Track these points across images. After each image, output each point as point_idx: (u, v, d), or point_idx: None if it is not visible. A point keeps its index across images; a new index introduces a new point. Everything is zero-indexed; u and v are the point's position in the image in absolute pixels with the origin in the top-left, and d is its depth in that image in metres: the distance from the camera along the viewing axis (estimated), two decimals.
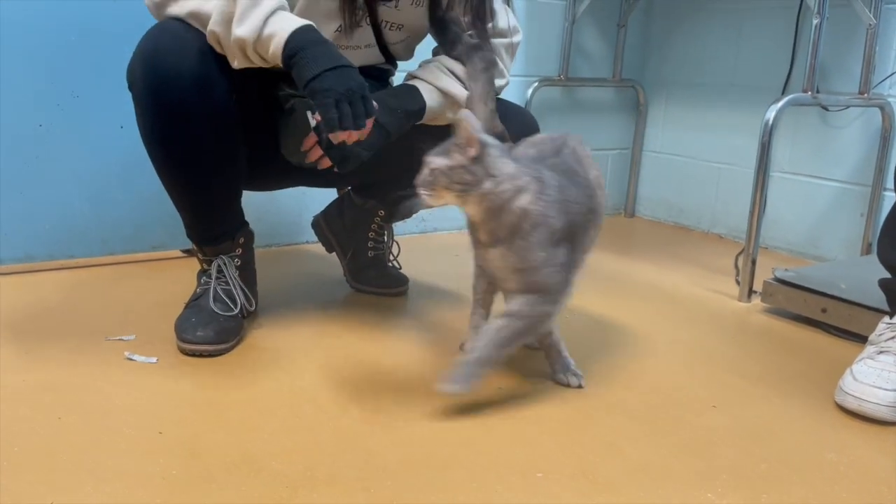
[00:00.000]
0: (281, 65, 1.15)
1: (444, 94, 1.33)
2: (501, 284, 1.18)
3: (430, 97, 1.33)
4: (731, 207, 2.41)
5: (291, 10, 1.25)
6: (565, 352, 1.27)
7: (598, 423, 1.13)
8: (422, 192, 1.09)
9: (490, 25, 1.37)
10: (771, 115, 1.69)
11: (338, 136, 1.14)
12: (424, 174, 1.09)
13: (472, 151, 1.06)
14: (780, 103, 1.71)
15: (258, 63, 1.19)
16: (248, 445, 1.00)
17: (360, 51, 1.36)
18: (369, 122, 1.16)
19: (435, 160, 1.09)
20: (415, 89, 1.32)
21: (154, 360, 1.26)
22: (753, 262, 1.74)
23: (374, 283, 1.66)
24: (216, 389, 1.16)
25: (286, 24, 1.14)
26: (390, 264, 1.71)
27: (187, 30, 1.19)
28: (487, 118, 1.21)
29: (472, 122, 1.06)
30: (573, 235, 1.14)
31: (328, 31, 1.28)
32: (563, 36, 2.37)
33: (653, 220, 2.66)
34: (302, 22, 1.16)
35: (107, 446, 0.98)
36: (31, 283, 1.63)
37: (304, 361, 1.29)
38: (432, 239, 2.22)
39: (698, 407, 1.20)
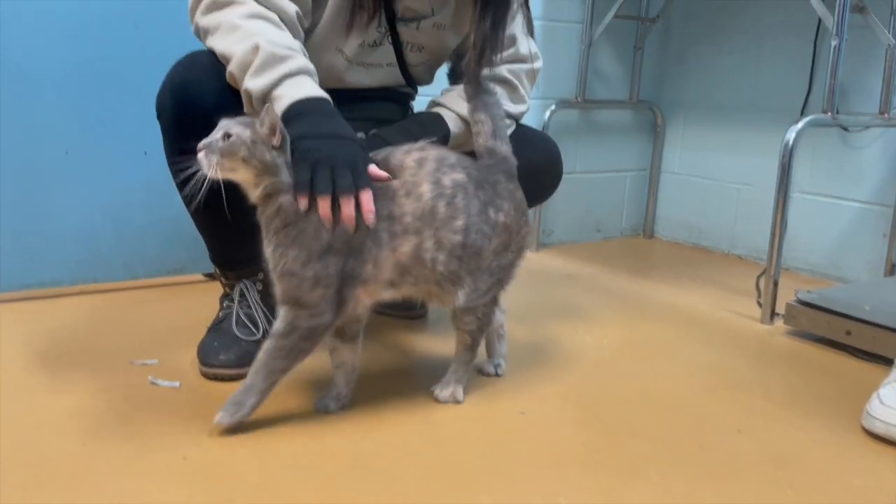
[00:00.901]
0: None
1: (467, 121, 1.34)
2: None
3: (454, 125, 1.34)
4: (750, 228, 2.40)
5: (315, 25, 1.27)
6: (498, 342, 1.30)
7: (621, 448, 1.12)
8: (214, 157, 1.02)
9: (511, 51, 1.38)
10: (791, 136, 1.69)
11: (322, 207, 1.04)
12: (222, 139, 1.03)
13: (276, 140, 1.04)
14: (800, 124, 1.71)
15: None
16: (270, 470, 1.01)
17: (382, 69, 1.38)
18: (363, 197, 1.06)
19: (237, 128, 1.03)
20: (438, 117, 1.34)
21: (177, 384, 1.26)
22: (775, 284, 1.72)
23: (392, 306, 1.66)
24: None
25: (299, 90, 1.11)
26: None
27: (217, 63, 1.20)
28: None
29: (278, 114, 1.05)
30: (355, 251, 1.07)
31: (352, 45, 1.30)
32: (580, 58, 2.38)
33: (671, 241, 2.65)
34: (317, 93, 1.12)
35: (131, 471, 0.99)
36: (57, 308, 1.66)
37: (324, 385, 1.29)
38: None
39: (722, 431, 1.19)
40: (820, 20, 1.96)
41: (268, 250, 1.08)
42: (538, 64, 1.44)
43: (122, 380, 1.27)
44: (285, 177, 1.05)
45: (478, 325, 1.23)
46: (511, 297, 1.92)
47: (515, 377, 1.37)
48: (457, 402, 1.24)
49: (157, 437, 1.08)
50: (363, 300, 1.13)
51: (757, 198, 2.36)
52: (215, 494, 0.94)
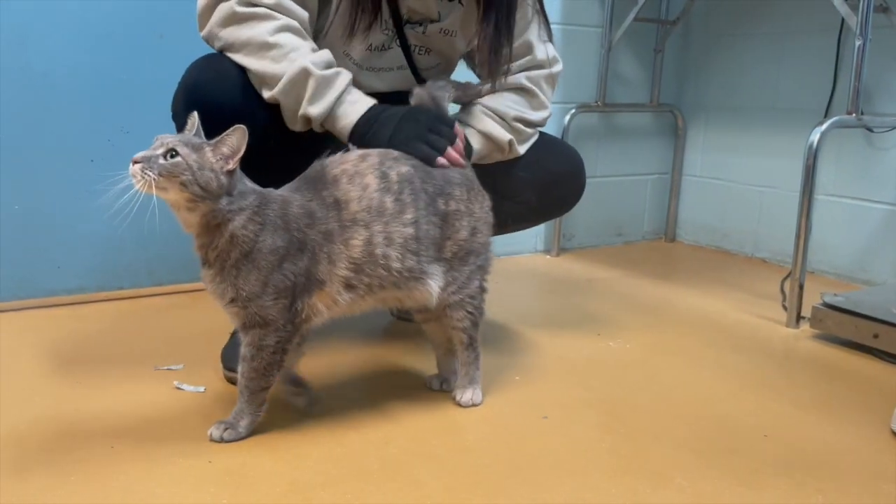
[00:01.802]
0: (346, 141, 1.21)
1: (488, 137, 1.34)
2: (228, 316, 1.10)
3: (475, 140, 1.34)
4: (774, 231, 2.37)
5: (320, 31, 1.29)
6: (445, 357, 1.29)
7: (647, 453, 1.11)
8: (151, 174, 0.96)
9: (528, 58, 1.38)
10: (815, 137, 1.67)
11: (442, 162, 1.18)
12: (164, 157, 0.98)
13: (232, 165, 1.02)
14: (825, 126, 1.69)
15: (318, 130, 1.24)
16: (295, 474, 1.01)
17: (393, 72, 1.39)
18: (457, 130, 1.22)
19: (184, 149, 0.99)
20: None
21: (202, 388, 1.27)
22: (801, 287, 1.70)
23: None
24: (262, 418, 1.16)
25: (357, 105, 1.21)
26: None
27: (231, 64, 1.22)
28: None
29: (246, 135, 1.02)
30: (311, 252, 1.07)
31: (358, 49, 1.31)
32: (600, 62, 2.38)
33: (694, 244, 2.63)
34: (369, 100, 1.22)
35: (158, 475, 1.00)
36: (82, 315, 1.68)
37: (347, 391, 1.29)
38: None
39: (749, 436, 1.18)
40: (843, 20, 1.94)
41: (217, 283, 1.05)
42: (557, 68, 1.44)
43: (148, 385, 1.29)
44: (225, 203, 1.02)
45: (471, 319, 1.22)
46: (532, 302, 1.92)
47: (538, 382, 1.36)
48: (475, 404, 1.24)
49: (183, 441, 1.09)
50: (321, 309, 1.11)
51: (781, 200, 2.34)
52: (241, 498, 0.95)
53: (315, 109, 1.19)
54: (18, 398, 1.23)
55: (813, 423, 1.23)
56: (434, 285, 1.16)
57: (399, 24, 1.32)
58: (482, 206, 1.22)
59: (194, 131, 1.05)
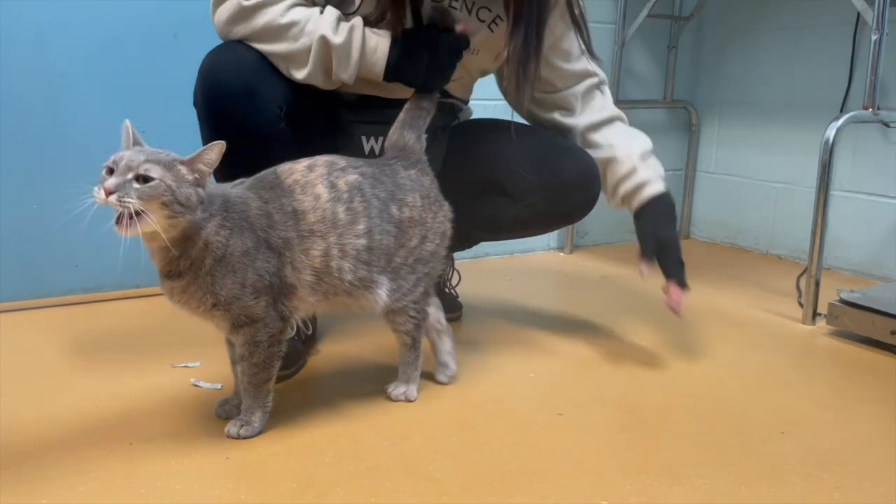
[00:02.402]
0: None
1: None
2: (209, 323, 1.09)
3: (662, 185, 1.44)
4: (789, 228, 2.36)
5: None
6: (439, 339, 1.30)
7: (663, 450, 1.11)
8: (132, 203, 0.93)
9: (589, 81, 1.46)
10: (831, 133, 1.66)
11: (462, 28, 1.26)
12: (137, 181, 0.94)
13: (204, 177, 1.00)
14: (841, 121, 1.68)
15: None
16: (311, 470, 1.02)
17: None
18: (461, 28, 1.27)
19: (157, 170, 0.95)
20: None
21: (219, 386, 1.28)
22: (817, 284, 1.69)
23: None
24: (279, 415, 1.17)
25: (378, 54, 1.24)
26: (447, 291, 1.71)
27: (246, 49, 1.25)
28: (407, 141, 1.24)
29: (223, 150, 1.01)
30: (278, 253, 1.07)
31: None
32: (613, 59, 2.37)
33: (708, 241, 2.61)
34: (385, 44, 1.23)
35: (176, 471, 1.01)
36: (101, 313, 1.69)
37: (362, 387, 1.30)
38: (484, 263, 2.23)
39: (766, 433, 1.17)
40: (859, 14, 1.92)
41: (192, 292, 1.03)
42: (593, 81, 1.49)
43: (166, 382, 1.30)
44: (200, 213, 1.00)
45: (414, 323, 1.22)
46: (546, 299, 1.92)
47: (552, 379, 1.36)
48: (409, 400, 1.24)
49: (201, 437, 1.10)
50: (299, 307, 1.12)
51: (796, 197, 2.32)
52: (259, 494, 0.96)
53: (345, 75, 1.23)
54: (38, 396, 1.24)
55: (830, 420, 1.22)
56: (382, 294, 1.17)
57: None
58: (437, 215, 1.22)
59: (132, 141, 1.01)
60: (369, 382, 1.31)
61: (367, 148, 1.41)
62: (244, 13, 1.22)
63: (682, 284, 1.39)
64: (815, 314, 1.71)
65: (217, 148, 1.01)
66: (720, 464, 1.07)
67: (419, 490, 0.98)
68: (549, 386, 1.33)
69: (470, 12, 1.34)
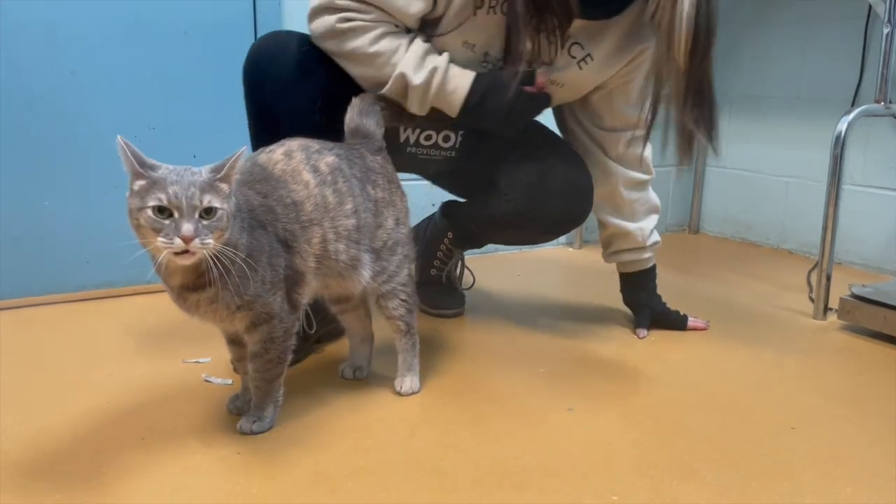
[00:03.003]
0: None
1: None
2: (226, 328, 1.10)
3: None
4: (800, 222, 2.35)
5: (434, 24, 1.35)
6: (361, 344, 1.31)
7: (673, 446, 1.11)
8: (206, 241, 0.92)
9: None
10: (843, 126, 1.65)
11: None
12: (202, 216, 0.92)
13: (232, 187, 0.97)
14: (852, 115, 1.67)
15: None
16: (322, 465, 1.02)
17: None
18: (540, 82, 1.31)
19: (214, 198, 0.93)
20: None
21: (230, 381, 1.29)
22: (828, 279, 1.69)
23: (428, 303, 1.67)
24: (289, 410, 1.18)
25: (456, 95, 1.29)
26: (450, 283, 1.72)
27: (290, 37, 1.29)
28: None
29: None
30: (286, 245, 1.07)
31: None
32: None
33: (718, 236, 2.60)
34: (465, 87, 1.28)
35: (188, 466, 1.01)
36: (111, 309, 1.70)
37: (370, 383, 1.30)
38: (493, 259, 2.23)
39: (776, 428, 1.17)
40: (870, 7, 1.91)
41: (220, 299, 1.01)
42: (629, 134, 1.51)
43: (177, 378, 1.30)
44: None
45: (406, 307, 1.23)
46: (555, 295, 1.92)
47: (562, 374, 1.36)
48: (414, 392, 1.24)
49: (212, 432, 1.11)
50: (304, 293, 1.13)
51: (807, 191, 2.31)
52: (270, 489, 0.96)
53: (416, 110, 1.30)
54: (50, 391, 1.25)
55: (841, 416, 1.22)
56: (365, 274, 1.18)
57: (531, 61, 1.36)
58: (402, 199, 1.25)
59: (137, 158, 0.97)
60: (378, 377, 1.32)
61: (402, 137, 1.45)
62: (336, 34, 1.26)
63: (647, 327, 1.59)
64: (826, 309, 1.70)
65: (242, 154, 0.99)
66: (730, 459, 1.07)
67: (429, 485, 0.98)
68: (559, 381, 1.33)
69: (562, 47, 1.35)
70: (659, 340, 1.55)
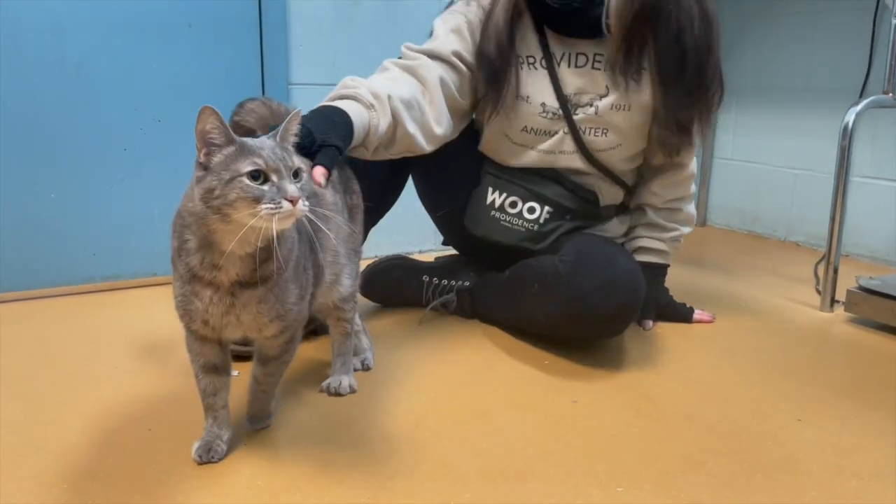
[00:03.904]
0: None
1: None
2: (253, 334, 0.99)
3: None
4: (808, 214, 2.34)
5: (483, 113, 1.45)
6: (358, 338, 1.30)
7: (679, 437, 1.11)
8: (307, 202, 0.86)
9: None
10: (851, 118, 1.64)
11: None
12: (297, 177, 0.87)
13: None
14: (860, 106, 1.66)
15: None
16: (328, 456, 1.02)
17: (565, 155, 1.45)
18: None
19: (300, 161, 0.90)
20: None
21: (236, 373, 1.28)
22: (835, 271, 1.68)
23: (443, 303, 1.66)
24: (294, 402, 1.18)
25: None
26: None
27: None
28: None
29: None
30: (310, 242, 1.02)
31: (516, 128, 1.44)
32: None
33: (725, 228, 2.60)
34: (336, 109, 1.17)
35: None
36: (118, 301, 1.71)
37: (378, 374, 1.30)
38: None
39: (782, 420, 1.17)
40: None
41: (265, 302, 0.93)
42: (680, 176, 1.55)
43: (183, 369, 1.30)
44: None
45: (354, 307, 1.24)
46: None
47: (566, 366, 1.36)
48: (353, 391, 1.22)
49: None
50: (319, 295, 1.13)
51: (814, 183, 2.30)
52: (275, 480, 0.97)
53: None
54: (57, 383, 1.26)
55: (848, 408, 1.21)
56: (348, 279, 1.19)
57: (566, 109, 1.39)
58: (362, 205, 1.25)
59: (223, 123, 0.90)
60: (383, 370, 1.32)
61: (489, 199, 1.48)
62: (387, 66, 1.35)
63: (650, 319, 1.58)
64: (833, 301, 1.69)
65: (298, 115, 0.92)
66: (736, 450, 1.07)
67: (434, 476, 0.98)
68: (563, 372, 1.33)
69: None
70: (664, 332, 1.55)
